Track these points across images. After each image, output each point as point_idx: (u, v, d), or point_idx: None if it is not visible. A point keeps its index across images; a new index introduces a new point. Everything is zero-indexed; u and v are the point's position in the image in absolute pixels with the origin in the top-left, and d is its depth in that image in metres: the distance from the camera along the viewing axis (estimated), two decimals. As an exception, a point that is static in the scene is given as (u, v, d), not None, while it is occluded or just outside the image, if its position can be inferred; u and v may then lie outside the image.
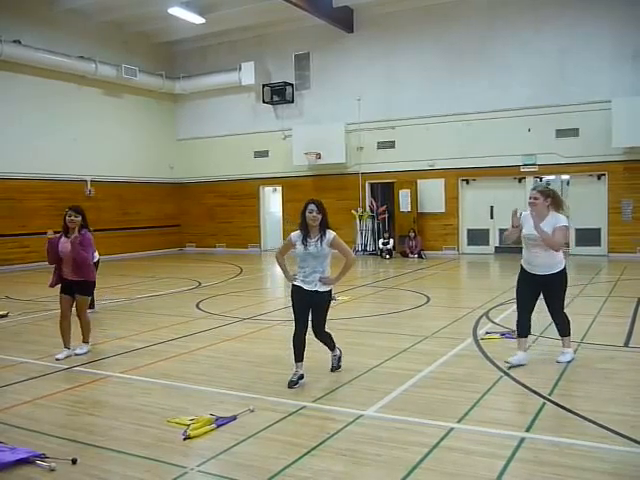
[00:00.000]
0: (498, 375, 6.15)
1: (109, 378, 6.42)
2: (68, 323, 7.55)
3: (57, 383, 6.24)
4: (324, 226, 6.07)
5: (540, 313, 10.10)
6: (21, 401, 5.65)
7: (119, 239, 21.51)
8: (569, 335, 6.69)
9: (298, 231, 6.16)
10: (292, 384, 5.96)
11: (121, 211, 21.83)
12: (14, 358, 7.29)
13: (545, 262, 6.38)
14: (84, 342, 7.66)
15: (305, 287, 6.10)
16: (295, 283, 6.20)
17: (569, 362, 6.50)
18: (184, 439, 4.63)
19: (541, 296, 6.64)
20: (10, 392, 5.98)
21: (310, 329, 6.23)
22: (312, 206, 6.04)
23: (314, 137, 20.72)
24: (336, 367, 6.55)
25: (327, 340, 6.47)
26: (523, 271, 6.60)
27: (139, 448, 4.51)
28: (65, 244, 7.41)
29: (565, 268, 6.49)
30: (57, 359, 7.21)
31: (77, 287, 7.49)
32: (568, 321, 6.66)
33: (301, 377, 6.08)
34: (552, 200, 6.30)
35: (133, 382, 6.28)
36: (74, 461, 4.23)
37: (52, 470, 4.14)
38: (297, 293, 6.16)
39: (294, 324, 6.15)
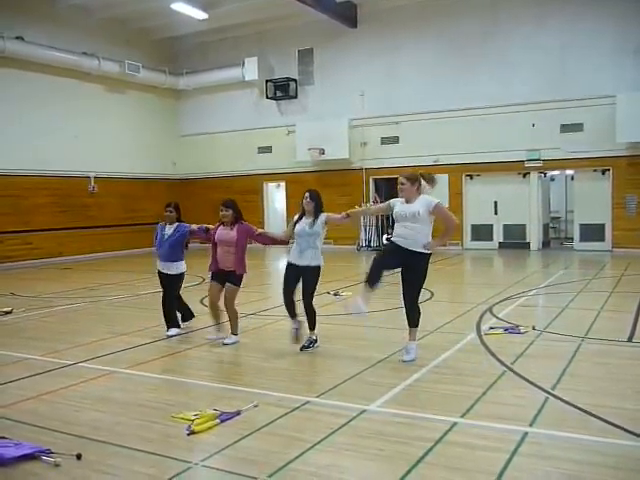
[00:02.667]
0: (501, 370, 6.15)
1: (114, 374, 6.44)
2: (217, 309, 7.81)
3: (61, 379, 6.25)
4: (318, 211, 7.18)
5: (543, 308, 10.14)
6: (25, 397, 5.67)
7: (122, 235, 21.54)
8: (417, 326, 6.70)
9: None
10: (293, 339, 7.17)
11: (124, 207, 21.85)
12: (18, 354, 7.31)
13: (415, 236, 6.48)
14: (233, 334, 7.71)
15: (298, 263, 7.12)
16: (289, 260, 7.25)
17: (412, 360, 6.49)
18: (188, 434, 4.64)
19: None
20: (15, 388, 6.00)
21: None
22: (307, 194, 7.24)
23: (317, 133, 20.71)
24: (306, 347, 7.21)
25: (311, 316, 7.23)
26: (391, 242, 6.71)
27: (144, 443, 4.52)
28: (223, 233, 7.66)
29: (430, 256, 6.61)
30: (208, 339, 7.80)
31: (228, 276, 7.62)
32: (420, 312, 6.69)
33: (298, 327, 7.17)
34: (419, 184, 6.63)
35: (138, 378, 6.30)
36: (79, 456, 4.25)
37: (57, 465, 4.15)
38: (289, 268, 7.23)
39: (283, 289, 7.21)
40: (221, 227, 7.74)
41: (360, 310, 6.38)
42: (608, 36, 17.33)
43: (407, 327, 6.73)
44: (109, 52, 20.71)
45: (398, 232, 6.62)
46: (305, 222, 7.19)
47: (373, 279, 6.43)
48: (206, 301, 10.82)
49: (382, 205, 7.13)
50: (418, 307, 6.69)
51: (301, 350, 7.14)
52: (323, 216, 7.19)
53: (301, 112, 22.01)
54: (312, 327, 7.29)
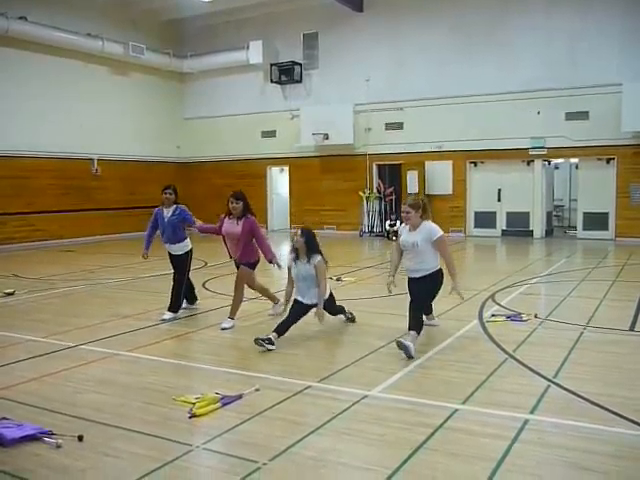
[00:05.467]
0: (503, 357, 6.15)
1: (115, 356, 6.45)
2: (259, 290, 8.27)
3: (63, 361, 6.27)
4: (312, 250, 7.01)
5: (545, 295, 10.14)
6: (28, 378, 5.69)
7: (125, 218, 21.50)
8: (415, 332, 6.34)
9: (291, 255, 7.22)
10: (258, 340, 6.48)
11: (127, 190, 21.82)
12: (21, 336, 7.33)
13: (421, 264, 6.60)
14: (230, 317, 7.70)
15: (304, 301, 7.05)
16: (296, 297, 7.14)
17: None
18: (190, 417, 4.66)
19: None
20: (17, 370, 6.02)
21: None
22: (299, 231, 7.13)
23: (322, 117, 20.59)
24: (351, 318, 7.72)
25: (341, 312, 7.60)
26: (408, 280, 6.85)
27: (145, 426, 4.54)
28: (229, 226, 7.80)
29: (441, 270, 6.68)
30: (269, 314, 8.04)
31: (242, 262, 7.82)
32: (420, 323, 6.46)
33: (270, 341, 6.51)
34: (422, 211, 6.68)
35: (139, 360, 6.31)
36: (80, 438, 4.26)
37: (59, 447, 4.16)
38: (296, 303, 7.09)
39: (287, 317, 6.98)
40: (227, 219, 7.82)
41: (409, 352, 6.06)
42: (616, 25, 17.17)
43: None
44: (113, 34, 20.54)
45: (406, 265, 6.81)
46: (300, 264, 7.04)
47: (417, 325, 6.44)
48: (209, 284, 10.88)
49: (397, 245, 7.00)
50: (419, 317, 6.52)
51: (348, 320, 7.66)
52: (315, 259, 6.97)
53: (305, 97, 21.91)
54: (344, 312, 7.69)
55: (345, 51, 20.95)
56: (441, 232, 6.60)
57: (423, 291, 6.68)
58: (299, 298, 7.11)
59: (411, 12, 19.81)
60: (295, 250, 7.09)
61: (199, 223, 8.45)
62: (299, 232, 7.10)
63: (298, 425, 4.51)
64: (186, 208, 8.58)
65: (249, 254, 7.74)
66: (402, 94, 20.04)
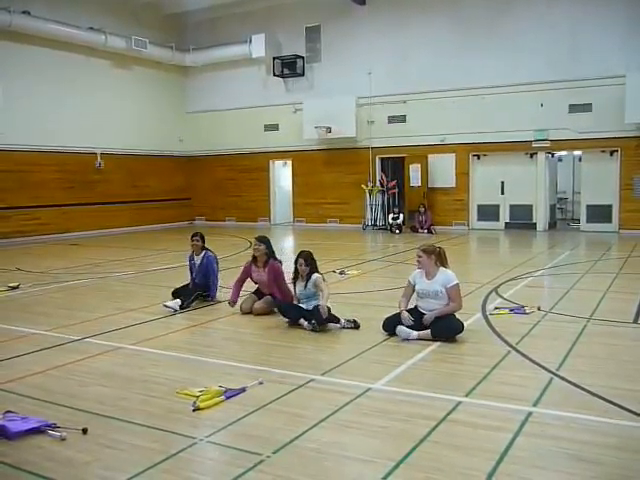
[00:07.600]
0: (506, 350, 6.16)
1: (120, 350, 6.47)
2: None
3: (68, 354, 6.29)
4: (312, 271, 7.28)
5: (548, 288, 10.13)
6: (33, 371, 5.71)
7: (129, 212, 21.58)
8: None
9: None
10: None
11: (131, 184, 21.86)
12: (26, 329, 7.36)
13: (434, 308, 6.61)
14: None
15: (307, 307, 7.26)
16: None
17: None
18: (193, 410, 4.67)
19: None
20: (22, 363, 6.04)
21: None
22: (301, 260, 7.30)
23: (324, 111, 20.56)
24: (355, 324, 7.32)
25: (331, 320, 7.20)
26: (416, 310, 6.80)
27: (148, 419, 4.55)
28: (256, 273, 8.13)
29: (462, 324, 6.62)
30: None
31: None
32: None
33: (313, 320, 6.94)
34: (437, 257, 6.65)
35: (143, 354, 6.33)
36: (84, 431, 4.28)
37: (63, 439, 4.18)
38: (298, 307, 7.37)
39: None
40: (254, 266, 8.11)
41: (408, 336, 6.37)
42: (619, 16, 17.11)
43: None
44: (116, 27, 20.51)
45: (422, 305, 6.75)
46: (300, 286, 7.37)
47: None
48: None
49: (408, 289, 6.96)
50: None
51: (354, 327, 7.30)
52: (314, 277, 7.26)
53: (308, 90, 21.86)
54: (338, 321, 7.31)
55: (347, 44, 20.90)
56: (457, 280, 6.62)
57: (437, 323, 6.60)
58: (300, 305, 7.40)
59: (413, 5, 19.74)
60: (295, 273, 7.41)
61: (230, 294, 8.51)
62: (302, 262, 7.28)
63: (301, 418, 4.52)
64: (214, 258, 8.86)
65: (285, 294, 7.97)
66: (405, 87, 20.01)
